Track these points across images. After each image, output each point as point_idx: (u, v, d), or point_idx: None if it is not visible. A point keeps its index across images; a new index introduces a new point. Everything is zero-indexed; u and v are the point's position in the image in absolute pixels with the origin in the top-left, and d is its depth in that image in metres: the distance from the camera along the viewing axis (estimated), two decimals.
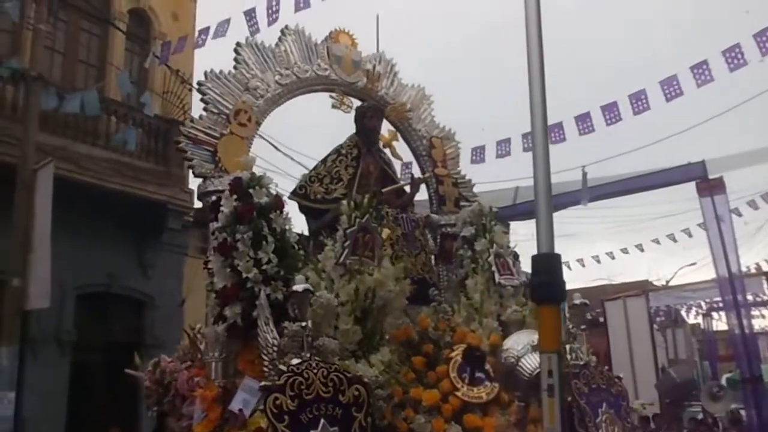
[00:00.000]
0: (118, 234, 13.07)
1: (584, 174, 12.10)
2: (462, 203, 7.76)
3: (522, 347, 3.75)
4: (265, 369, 4.68)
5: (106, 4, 14.10)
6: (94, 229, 12.40)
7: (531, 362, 3.67)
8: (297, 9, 9.71)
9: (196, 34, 11.67)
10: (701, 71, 10.33)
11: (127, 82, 11.84)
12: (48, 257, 10.15)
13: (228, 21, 10.55)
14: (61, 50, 13.29)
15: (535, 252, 3.64)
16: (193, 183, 13.55)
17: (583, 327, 6.07)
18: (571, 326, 6.05)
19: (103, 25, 13.94)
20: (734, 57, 10.06)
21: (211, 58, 11.43)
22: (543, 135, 3.79)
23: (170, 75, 13.22)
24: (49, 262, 10.13)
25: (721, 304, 13.59)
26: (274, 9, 9.93)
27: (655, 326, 16.47)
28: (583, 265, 18.53)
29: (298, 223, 6.65)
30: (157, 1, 14.96)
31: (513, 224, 12.58)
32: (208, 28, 10.88)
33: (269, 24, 9.72)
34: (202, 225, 13.98)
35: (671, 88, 10.64)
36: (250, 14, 10.17)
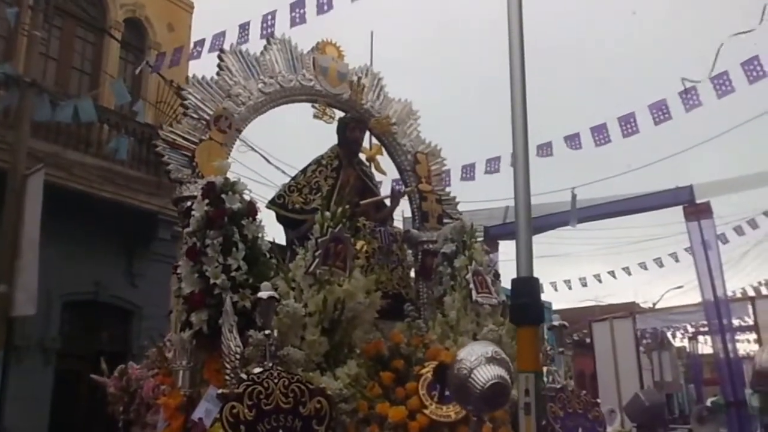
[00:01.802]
0: (107, 242, 12.92)
1: (573, 195, 12.02)
2: (445, 220, 7.58)
3: (475, 358, 3.54)
4: (227, 377, 4.49)
5: (101, 13, 14.07)
6: (82, 237, 12.25)
7: (484, 374, 3.47)
8: (293, 24, 9.62)
9: (192, 45, 11.60)
10: (690, 96, 10.27)
11: (124, 90, 11.66)
12: (35, 264, 10.05)
13: (223, 34, 10.44)
14: (55, 57, 13.21)
15: None
16: None
17: (561, 349, 5.91)
18: (548, 348, 5.88)
19: (99, 33, 13.88)
20: (722, 84, 10.02)
21: (206, 69, 11.37)
22: (524, 164, 3.79)
23: (164, 85, 13.08)
24: (37, 268, 10.03)
25: (707, 328, 13.43)
26: (269, 23, 9.84)
27: (641, 348, 16.32)
28: (570, 287, 18.38)
29: (277, 233, 6.52)
30: (153, 11, 14.88)
31: (503, 243, 12.51)
32: (203, 40, 10.81)
33: (262, 37, 9.64)
34: None
35: (660, 112, 10.57)
36: (244, 27, 10.08)
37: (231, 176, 5.51)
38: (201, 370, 5.19)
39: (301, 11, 9.57)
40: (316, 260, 5.07)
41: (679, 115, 10.39)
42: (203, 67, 11.17)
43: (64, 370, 12.35)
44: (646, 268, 16.69)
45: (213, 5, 16.71)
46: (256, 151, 11.35)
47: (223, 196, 5.19)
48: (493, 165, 12.16)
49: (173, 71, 12.65)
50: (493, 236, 12.07)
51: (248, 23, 10.00)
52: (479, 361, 3.52)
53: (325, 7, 9.49)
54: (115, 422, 11.47)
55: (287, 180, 7.06)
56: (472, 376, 3.51)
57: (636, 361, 13.51)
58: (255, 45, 9.29)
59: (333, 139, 7.12)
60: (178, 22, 15.18)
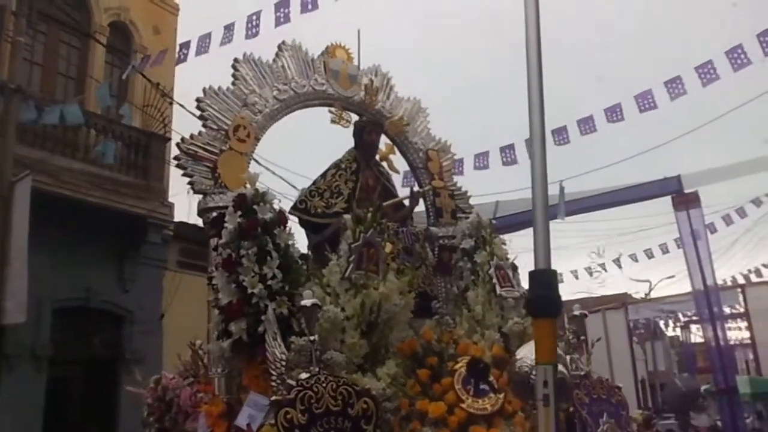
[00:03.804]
0: (96, 248, 12.88)
1: (561, 188, 12.20)
2: (459, 215, 7.81)
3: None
4: (273, 384, 4.65)
5: (86, 17, 13.98)
6: (72, 242, 12.21)
7: None
8: (277, 24, 9.74)
9: (177, 48, 11.65)
10: (675, 86, 10.52)
11: (107, 94, 11.64)
12: (25, 271, 10.05)
13: (209, 35, 10.52)
14: (40, 62, 13.14)
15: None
16: (173, 197, 13.55)
17: (582, 337, 6.16)
18: (571, 337, 6.14)
19: (83, 37, 13.80)
20: (707, 72, 10.27)
21: (192, 72, 11.43)
22: (541, 150, 3.74)
23: (150, 88, 13.11)
24: (26, 276, 10.04)
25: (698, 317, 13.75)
26: (254, 23, 9.95)
27: (634, 339, 16.55)
28: (562, 281, 18.46)
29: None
30: (138, 14, 14.83)
31: None
32: (188, 42, 10.87)
33: (247, 37, 9.77)
34: (181, 239, 13.95)
35: (645, 101, 10.82)
36: (229, 28, 10.19)
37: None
38: (238, 377, 5.38)
39: (286, 11, 9.68)
40: (351, 265, 5.27)
41: (665, 104, 10.63)
42: (189, 68, 11.28)
43: (56, 377, 12.32)
44: (636, 260, 16.90)
45: (199, 7, 16.68)
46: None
47: (254, 207, 5.33)
48: (482, 161, 12.34)
49: (160, 75, 12.70)
50: None
51: (233, 24, 10.11)
52: None
53: (310, 6, 9.61)
54: (107, 427, 11.56)
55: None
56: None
57: (629, 352, 13.75)
58: (241, 46, 9.44)
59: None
60: (163, 25, 15.14)
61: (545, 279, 3.57)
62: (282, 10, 9.71)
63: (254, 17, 9.96)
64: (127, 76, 12.83)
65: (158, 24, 15.07)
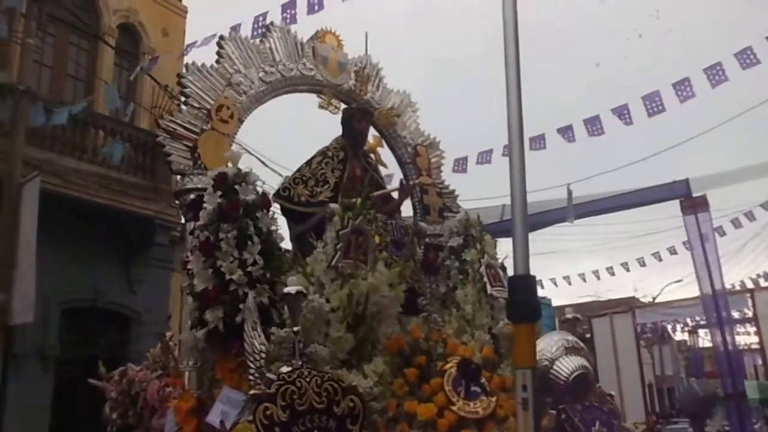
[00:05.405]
0: (104, 249, 12.52)
1: (569, 192, 11.79)
2: (446, 213, 7.31)
3: (556, 349, 3.37)
4: (251, 377, 4.06)
5: (95, 20, 13.66)
6: (80, 243, 11.87)
7: (567, 365, 3.30)
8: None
9: (185, 49, 11.38)
10: (683, 88, 10.09)
11: (116, 96, 11.30)
12: (33, 272, 9.83)
13: (214, 36, 10.17)
14: (49, 64, 12.81)
15: None
16: None
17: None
18: None
19: (92, 39, 13.49)
20: (716, 74, 9.84)
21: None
22: (519, 156, 3.64)
23: (159, 90, 12.72)
24: (34, 276, 9.80)
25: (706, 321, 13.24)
26: (260, 24, 9.60)
27: (642, 343, 16.13)
28: (570, 283, 18.06)
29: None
30: (147, 16, 14.48)
31: (500, 241, 12.17)
32: (194, 43, 10.57)
33: (253, 38, 9.32)
34: None
35: (654, 104, 10.37)
36: (236, 29, 9.81)
37: None
38: (211, 370, 4.78)
39: (292, 12, 9.35)
40: (338, 254, 4.66)
41: (673, 107, 10.19)
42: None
43: (63, 377, 11.94)
44: (644, 264, 16.48)
45: (207, 9, 16.42)
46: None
47: (236, 187, 4.75)
48: (485, 157, 11.89)
49: (168, 77, 12.28)
50: (489, 234, 11.81)
51: (239, 25, 9.75)
52: (560, 351, 3.35)
53: (316, 8, 9.26)
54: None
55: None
56: (555, 367, 3.32)
57: (637, 356, 13.28)
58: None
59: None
60: (172, 27, 14.78)
61: (524, 284, 3.48)
62: (288, 11, 9.42)
63: (261, 18, 9.62)
64: (135, 77, 12.46)
65: (167, 26, 14.71)
